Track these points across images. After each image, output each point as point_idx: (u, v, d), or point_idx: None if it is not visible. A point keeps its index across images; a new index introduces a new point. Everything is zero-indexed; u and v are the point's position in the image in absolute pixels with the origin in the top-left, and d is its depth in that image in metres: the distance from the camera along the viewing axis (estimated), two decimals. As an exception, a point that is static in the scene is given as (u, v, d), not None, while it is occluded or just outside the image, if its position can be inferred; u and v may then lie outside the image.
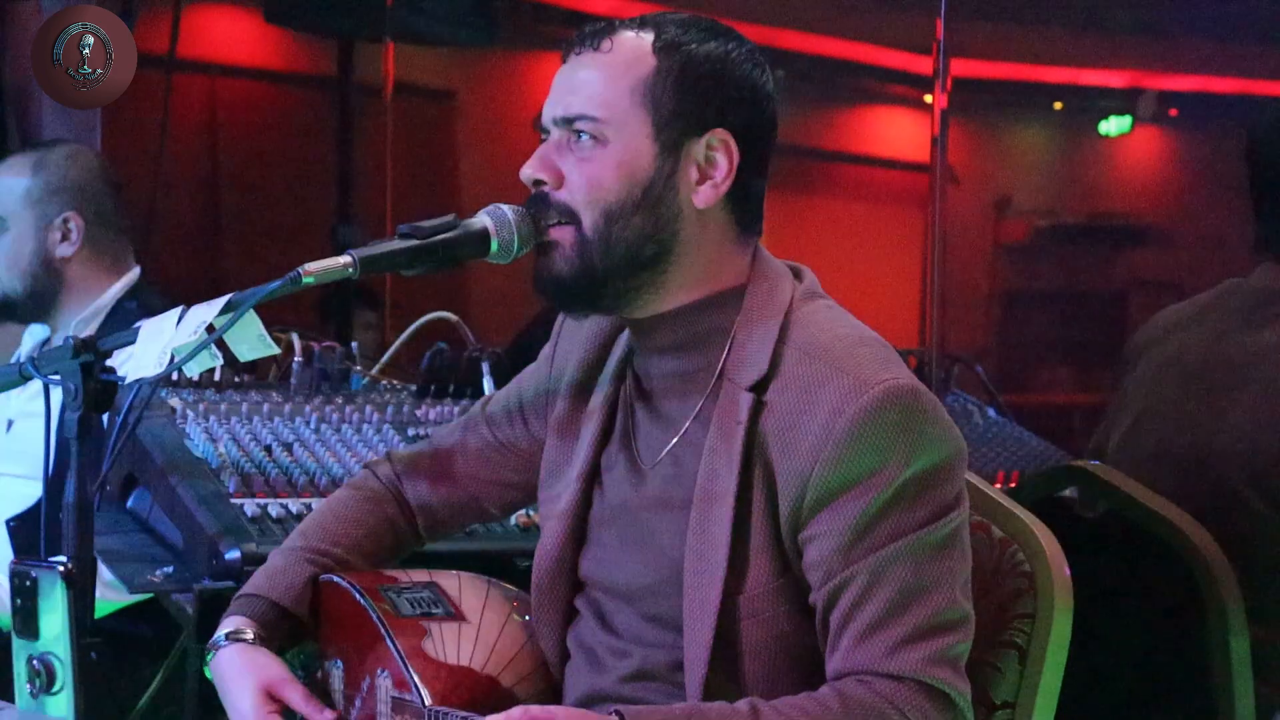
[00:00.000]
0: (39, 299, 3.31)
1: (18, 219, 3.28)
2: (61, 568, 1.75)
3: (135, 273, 3.37)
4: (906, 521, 1.68)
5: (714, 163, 1.78)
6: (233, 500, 2.37)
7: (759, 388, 1.74)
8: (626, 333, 1.89)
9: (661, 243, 1.77)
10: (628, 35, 1.79)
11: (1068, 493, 2.43)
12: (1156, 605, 2.27)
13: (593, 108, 1.76)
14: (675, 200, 1.78)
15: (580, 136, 1.77)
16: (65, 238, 3.31)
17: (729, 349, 1.78)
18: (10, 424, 3.26)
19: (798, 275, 1.85)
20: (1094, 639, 1.99)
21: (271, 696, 1.88)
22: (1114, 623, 2.26)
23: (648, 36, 1.79)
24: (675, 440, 1.81)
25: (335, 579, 1.95)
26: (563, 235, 1.78)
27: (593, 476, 1.88)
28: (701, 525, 1.74)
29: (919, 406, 1.70)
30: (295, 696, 1.88)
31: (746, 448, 1.73)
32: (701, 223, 1.79)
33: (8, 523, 3.00)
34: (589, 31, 1.80)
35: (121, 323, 3.18)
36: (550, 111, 1.81)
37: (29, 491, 3.06)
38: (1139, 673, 2.32)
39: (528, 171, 1.80)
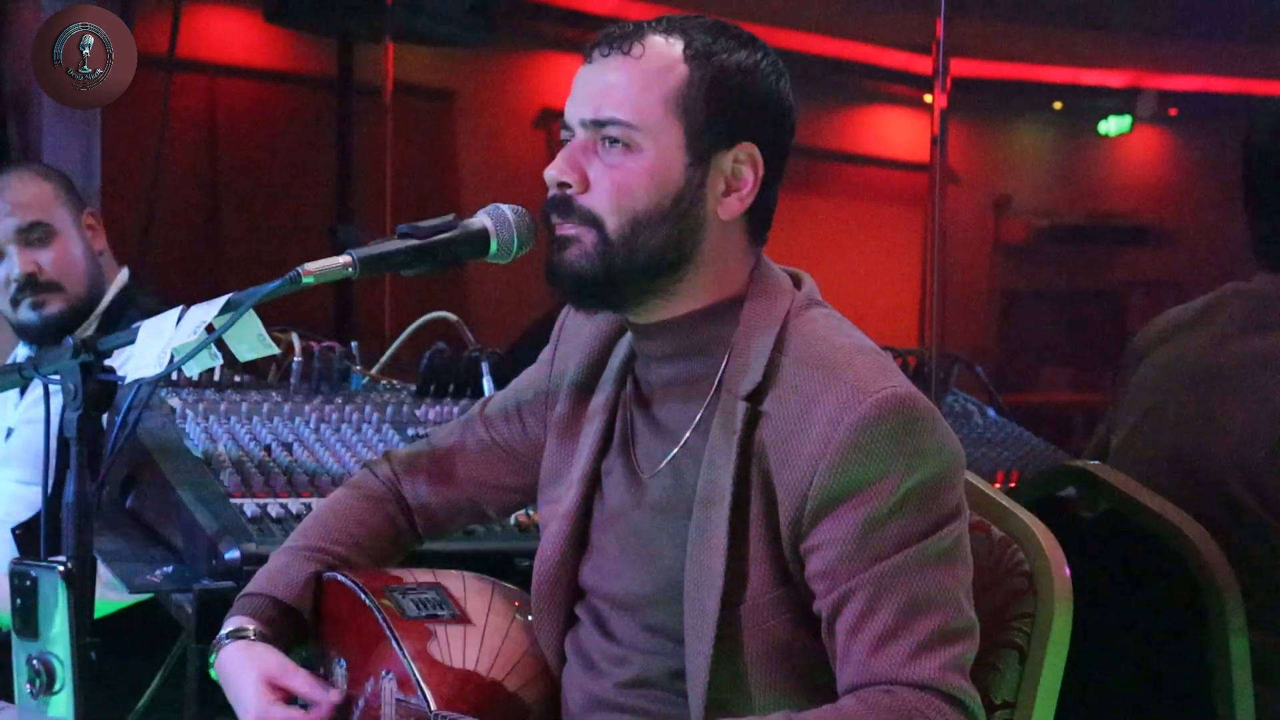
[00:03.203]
0: (94, 303, 3.30)
1: (61, 222, 3.28)
2: (61, 568, 1.76)
3: (125, 273, 3.38)
4: (911, 531, 1.67)
5: (740, 176, 1.78)
6: (232, 500, 2.37)
7: (755, 397, 1.74)
8: (628, 335, 1.89)
9: (683, 251, 1.77)
10: (657, 41, 1.77)
11: (1068, 493, 2.43)
12: (1156, 605, 2.27)
13: (624, 113, 1.75)
14: (702, 211, 1.77)
15: (610, 141, 1.76)
16: (95, 231, 3.33)
17: (728, 358, 1.78)
18: (10, 432, 3.26)
19: (797, 283, 1.84)
20: (1094, 639, 1.99)
21: (274, 686, 1.88)
22: (1114, 623, 2.26)
23: (677, 43, 1.77)
24: (676, 450, 1.80)
25: (339, 578, 1.95)
26: (583, 232, 1.77)
27: (593, 481, 1.87)
28: (700, 535, 1.74)
29: (917, 415, 1.70)
30: (298, 682, 1.88)
31: (743, 457, 1.72)
32: (721, 233, 1.79)
33: (13, 530, 3.00)
34: (616, 34, 1.78)
35: (120, 323, 3.18)
36: (577, 112, 1.78)
37: (29, 495, 3.07)
38: (1139, 673, 2.32)
39: (553, 174, 1.78)
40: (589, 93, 1.78)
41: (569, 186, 1.77)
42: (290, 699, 1.88)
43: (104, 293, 3.31)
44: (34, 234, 3.24)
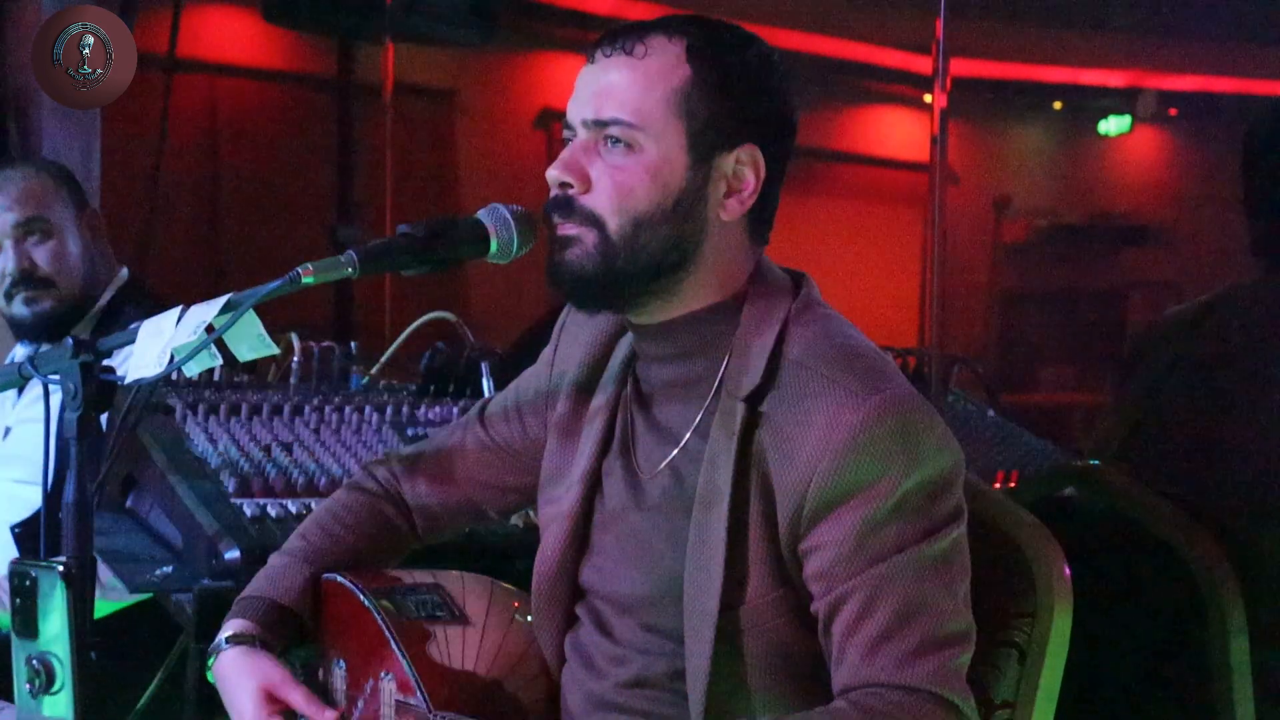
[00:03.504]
0: (89, 302, 3.30)
1: (60, 219, 3.28)
2: (61, 568, 1.75)
3: (124, 272, 3.38)
4: (908, 533, 1.67)
5: (742, 177, 1.78)
6: (232, 500, 2.38)
7: (755, 398, 1.73)
8: (629, 335, 1.88)
9: (684, 252, 1.76)
10: (659, 40, 1.76)
11: (1068, 493, 2.43)
12: (1156, 605, 2.27)
13: (627, 113, 1.74)
14: (703, 212, 1.77)
15: (612, 142, 1.75)
16: (95, 231, 3.32)
17: (728, 359, 1.78)
18: (8, 431, 3.26)
19: (797, 283, 1.84)
20: (1094, 639, 1.99)
21: (272, 698, 1.88)
22: (1114, 623, 2.26)
23: (680, 44, 1.76)
24: (676, 451, 1.80)
25: (339, 579, 1.95)
26: (584, 233, 1.77)
27: (593, 482, 1.87)
28: (700, 536, 1.73)
29: (916, 417, 1.69)
30: (297, 697, 1.88)
31: (742, 459, 1.72)
32: (722, 233, 1.79)
33: (13, 529, 3.00)
34: (619, 34, 1.78)
35: (117, 323, 3.18)
36: (579, 112, 1.78)
37: (29, 495, 3.07)
38: (1139, 673, 2.32)
39: (554, 174, 1.77)
40: (591, 92, 1.78)
41: (570, 186, 1.77)
42: (288, 712, 1.88)
43: (101, 292, 3.31)
44: (31, 229, 3.24)
